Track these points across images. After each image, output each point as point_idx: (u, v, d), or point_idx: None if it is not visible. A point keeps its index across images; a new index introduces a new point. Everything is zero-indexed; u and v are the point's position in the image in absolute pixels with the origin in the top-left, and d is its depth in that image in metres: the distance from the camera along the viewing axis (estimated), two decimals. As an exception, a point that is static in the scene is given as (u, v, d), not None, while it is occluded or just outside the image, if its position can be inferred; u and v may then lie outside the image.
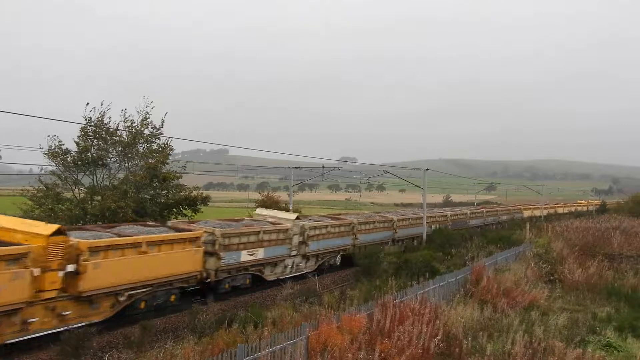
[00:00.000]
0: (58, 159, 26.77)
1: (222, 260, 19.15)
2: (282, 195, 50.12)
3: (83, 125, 26.78)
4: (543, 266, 25.31)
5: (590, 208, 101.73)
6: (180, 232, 17.98)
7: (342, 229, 27.42)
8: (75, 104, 27.43)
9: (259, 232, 21.10)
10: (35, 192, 26.37)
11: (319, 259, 25.69)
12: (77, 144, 26.86)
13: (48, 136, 26.67)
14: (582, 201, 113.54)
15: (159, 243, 16.13)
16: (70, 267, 13.45)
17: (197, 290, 19.05)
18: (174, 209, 29.44)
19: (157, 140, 29.33)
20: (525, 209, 70.77)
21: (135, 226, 18.45)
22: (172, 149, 29.59)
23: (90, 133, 27.25)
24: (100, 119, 27.53)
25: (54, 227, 13.36)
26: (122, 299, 15.11)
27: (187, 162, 32.25)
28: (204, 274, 18.59)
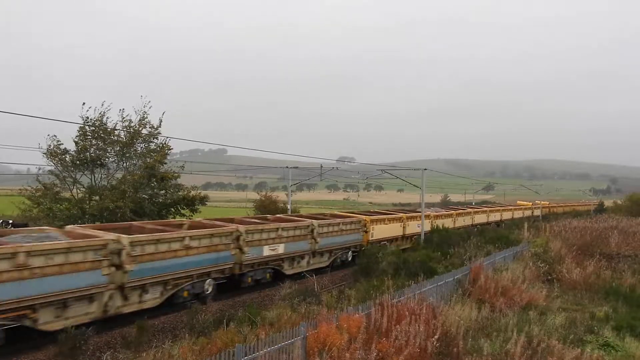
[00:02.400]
0: (57, 158, 26.82)
1: None
2: (281, 195, 50.13)
3: (81, 125, 26.84)
4: (541, 266, 25.33)
5: (538, 213, 74.91)
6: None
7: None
8: (79, 104, 27.40)
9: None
10: (34, 191, 26.40)
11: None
12: (76, 143, 26.90)
13: (48, 135, 26.76)
14: (526, 202, 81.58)
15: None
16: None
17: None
18: (172, 209, 29.47)
19: (155, 140, 29.38)
20: (382, 220, 31.44)
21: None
22: (170, 149, 29.63)
23: (88, 133, 27.29)
24: (99, 118, 27.56)
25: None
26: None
27: (185, 162, 32.27)
28: None
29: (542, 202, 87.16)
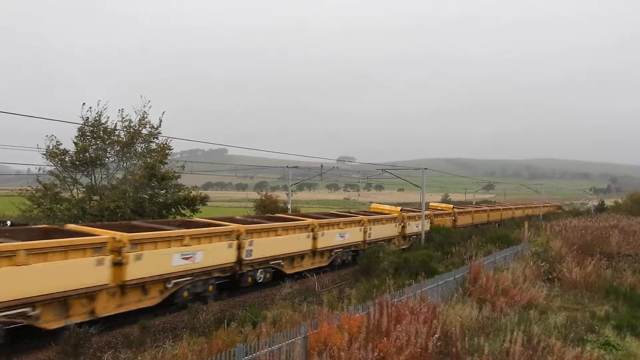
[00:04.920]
0: (56, 159, 26.84)
1: None
2: (281, 195, 50.12)
3: (80, 125, 26.89)
4: (541, 265, 25.34)
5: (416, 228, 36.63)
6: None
7: None
8: (85, 104, 27.35)
9: None
10: (34, 192, 26.43)
11: None
12: (76, 144, 26.93)
13: (46, 136, 26.79)
14: (389, 207, 38.68)
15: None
16: None
17: None
18: (173, 209, 29.48)
19: (156, 140, 29.42)
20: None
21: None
22: (170, 149, 29.65)
23: (87, 133, 27.34)
24: (97, 118, 27.59)
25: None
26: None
27: (185, 161, 32.32)
28: None
29: (438, 204, 53.91)
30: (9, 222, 31.37)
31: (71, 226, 17.04)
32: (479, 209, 57.92)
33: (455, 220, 46.31)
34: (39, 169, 28.86)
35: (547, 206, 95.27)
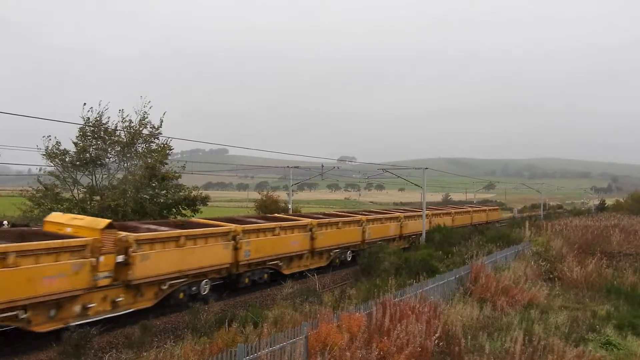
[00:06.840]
0: (56, 159, 26.83)
1: None
2: (282, 195, 50.13)
3: (81, 126, 26.88)
4: (542, 264, 25.33)
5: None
6: None
7: None
8: (91, 103, 27.28)
9: None
10: (34, 192, 26.43)
11: None
12: (75, 144, 26.92)
13: (44, 137, 26.78)
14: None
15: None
16: None
17: None
18: (174, 209, 29.47)
19: (156, 140, 29.39)
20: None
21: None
22: (171, 149, 29.62)
23: (88, 133, 27.34)
24: (97, 118, 27.58)
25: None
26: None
27: (186, 162, 32.29)
28: None
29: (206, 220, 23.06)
30: (5, 222, 31.33)
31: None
32: (339, 218, 29.03)
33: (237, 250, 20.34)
34: (40, 170, 28.85)
35: (479, 210, 56.99)
